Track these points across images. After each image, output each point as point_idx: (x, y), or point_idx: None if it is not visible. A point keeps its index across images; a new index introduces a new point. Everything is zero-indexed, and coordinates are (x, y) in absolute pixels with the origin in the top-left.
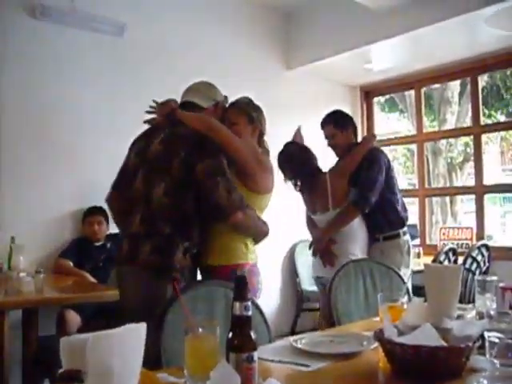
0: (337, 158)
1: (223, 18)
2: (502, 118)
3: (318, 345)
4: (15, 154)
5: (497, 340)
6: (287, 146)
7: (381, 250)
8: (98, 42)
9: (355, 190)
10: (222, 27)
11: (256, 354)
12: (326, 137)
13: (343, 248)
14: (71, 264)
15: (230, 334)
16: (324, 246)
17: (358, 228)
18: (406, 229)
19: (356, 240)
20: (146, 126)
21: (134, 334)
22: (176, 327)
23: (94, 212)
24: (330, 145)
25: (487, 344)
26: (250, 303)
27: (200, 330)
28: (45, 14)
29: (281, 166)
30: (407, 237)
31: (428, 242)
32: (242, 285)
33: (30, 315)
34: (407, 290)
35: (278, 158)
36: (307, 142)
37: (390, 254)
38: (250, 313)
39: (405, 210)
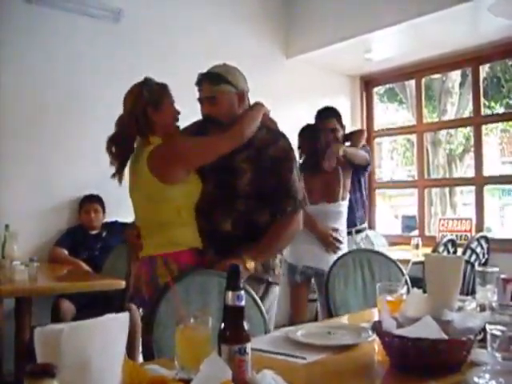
0: None
1: (221, 4)
2: (501, 110)
3: (314, 336)
4: (10, 141)
5: (499, 333)
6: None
7: (355, 242)
8: (94, 28)
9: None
10: (220, 13)
11: (249, 346)
12: (326, 129)
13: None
14: (66, 253)
15: (222, 325)
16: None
17: None
18: None
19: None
20: None
21: (115, 324)
22: (168, 317)
23: (90, 199)
24: (333, 138)
25: (489, 337)
26: (243, 293)
27: (192, 320)
28: None
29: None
30: None
31: (427, 233)
32: (234, 274)
33: (23, 304)
34: (406, 281)
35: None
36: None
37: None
38: (242, 303)
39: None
